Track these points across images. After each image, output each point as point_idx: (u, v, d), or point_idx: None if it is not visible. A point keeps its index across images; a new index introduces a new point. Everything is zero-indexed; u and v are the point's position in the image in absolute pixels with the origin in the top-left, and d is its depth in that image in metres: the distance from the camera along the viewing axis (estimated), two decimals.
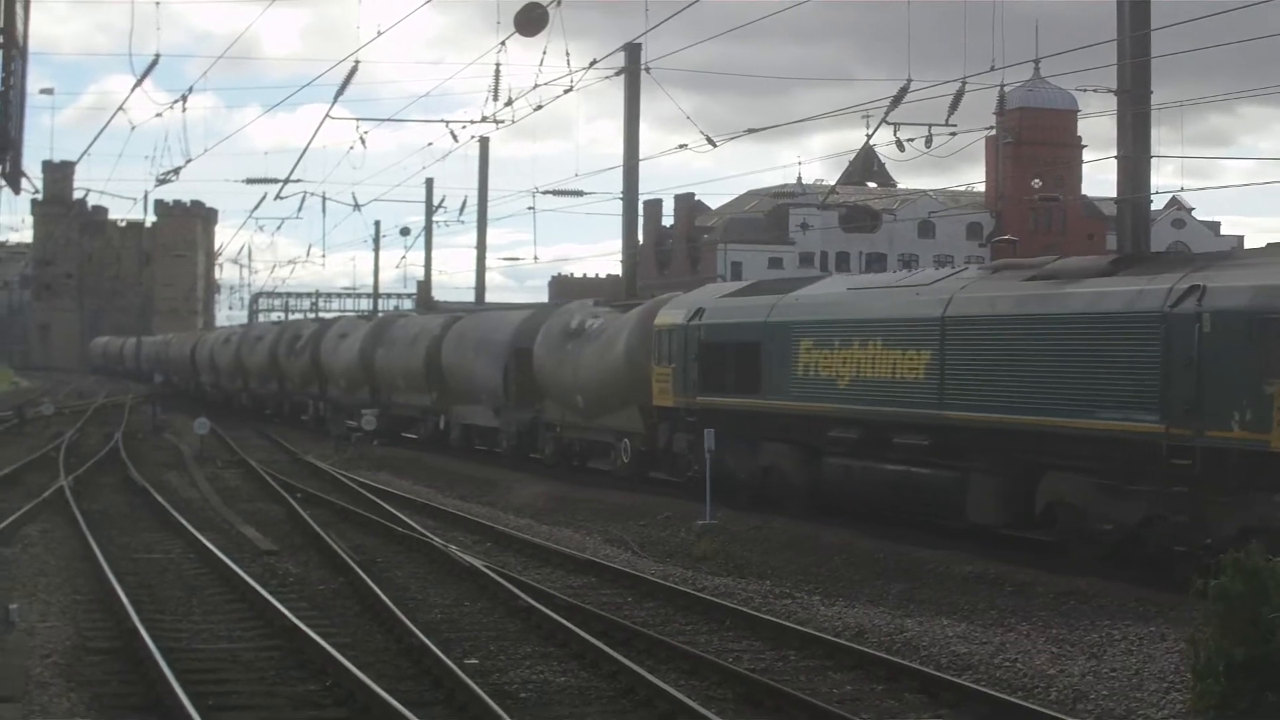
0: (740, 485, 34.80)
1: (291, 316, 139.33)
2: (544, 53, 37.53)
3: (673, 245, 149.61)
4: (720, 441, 33.04)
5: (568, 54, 39.60)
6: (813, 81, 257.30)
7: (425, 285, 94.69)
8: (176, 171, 53.39)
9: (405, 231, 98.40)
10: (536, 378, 46.53)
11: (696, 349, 36.60)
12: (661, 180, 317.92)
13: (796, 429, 32.93)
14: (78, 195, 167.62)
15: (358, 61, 39.31)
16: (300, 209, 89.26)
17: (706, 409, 35.78)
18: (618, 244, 57.91)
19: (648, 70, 49.13)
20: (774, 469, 33.90)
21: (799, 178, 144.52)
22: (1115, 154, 34.86)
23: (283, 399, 79.94)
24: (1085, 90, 42.63)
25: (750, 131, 47.22)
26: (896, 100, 36.21)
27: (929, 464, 28.37)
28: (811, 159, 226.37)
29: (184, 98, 45.43)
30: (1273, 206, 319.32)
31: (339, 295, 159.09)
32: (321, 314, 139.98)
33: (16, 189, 22.91)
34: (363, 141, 56.72)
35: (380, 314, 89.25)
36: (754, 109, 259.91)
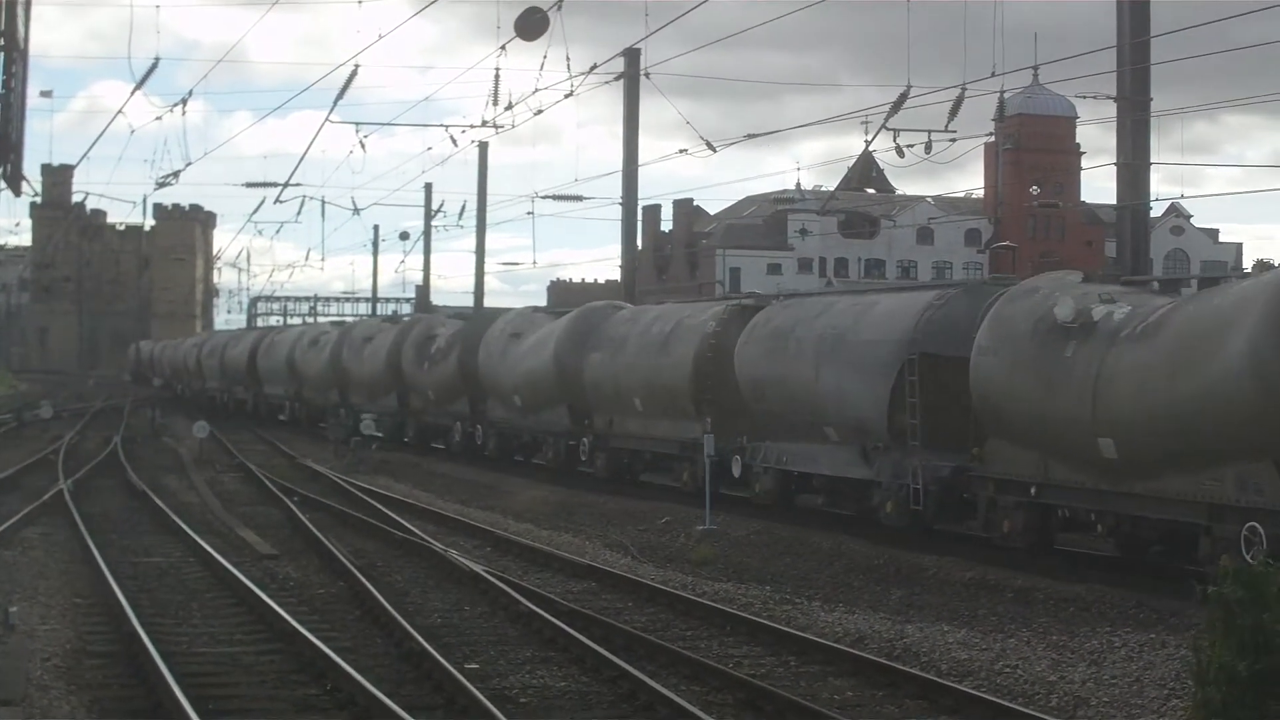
0: None
1: (290, 321, 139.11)
2: (544, 57, 37.62)
3: (671, 251, 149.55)
4: None
5: (568, 59, 39.63)
6: (803, 89, 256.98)
7: (424, 290, 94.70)
8: (176, 175, 53.54)
9: (404, 236, 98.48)
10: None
11: None
12: (655, 186, 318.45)
13: None
14: (77, 199, 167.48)
15: (358, 65, 39.40)
16: (299, 213, 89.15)
17: None
18: (614, 249, 57.96)
19: (647, 75, 49.20)
20: None
21: (798, 183, 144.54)
22: (1114, 161, 34.88)
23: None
24: (1084, 97, 42.65)
25: (750, 137, 47.39)
26: (896, 106, 36.26)
27: None
28: (807, 166, 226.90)
29: (184, 101, 45.53)
30: (1260, 214, 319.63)
31: (338, 299, 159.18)
32: (320, 317, 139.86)
33: (17, 191, 22.90)
34: (362, 146, 56.91)
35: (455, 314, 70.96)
36: (743, 116, 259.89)
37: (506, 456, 50.58)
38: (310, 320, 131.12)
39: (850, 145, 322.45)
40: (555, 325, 46.70)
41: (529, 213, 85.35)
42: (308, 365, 72.93)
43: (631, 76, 50.65)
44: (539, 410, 47.03)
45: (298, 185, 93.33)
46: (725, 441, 34.97)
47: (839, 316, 32.74)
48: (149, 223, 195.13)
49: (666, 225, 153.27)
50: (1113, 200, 37.12)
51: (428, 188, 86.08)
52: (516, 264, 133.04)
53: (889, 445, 30.02)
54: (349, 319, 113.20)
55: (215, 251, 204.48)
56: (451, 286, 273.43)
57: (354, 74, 39.51)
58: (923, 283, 43.78)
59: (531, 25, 35.88)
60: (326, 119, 45.53)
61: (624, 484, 41.68)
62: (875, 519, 30.47)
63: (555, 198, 66.72)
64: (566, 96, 41.45)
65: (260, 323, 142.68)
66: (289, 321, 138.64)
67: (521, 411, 48.38)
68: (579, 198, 65.97)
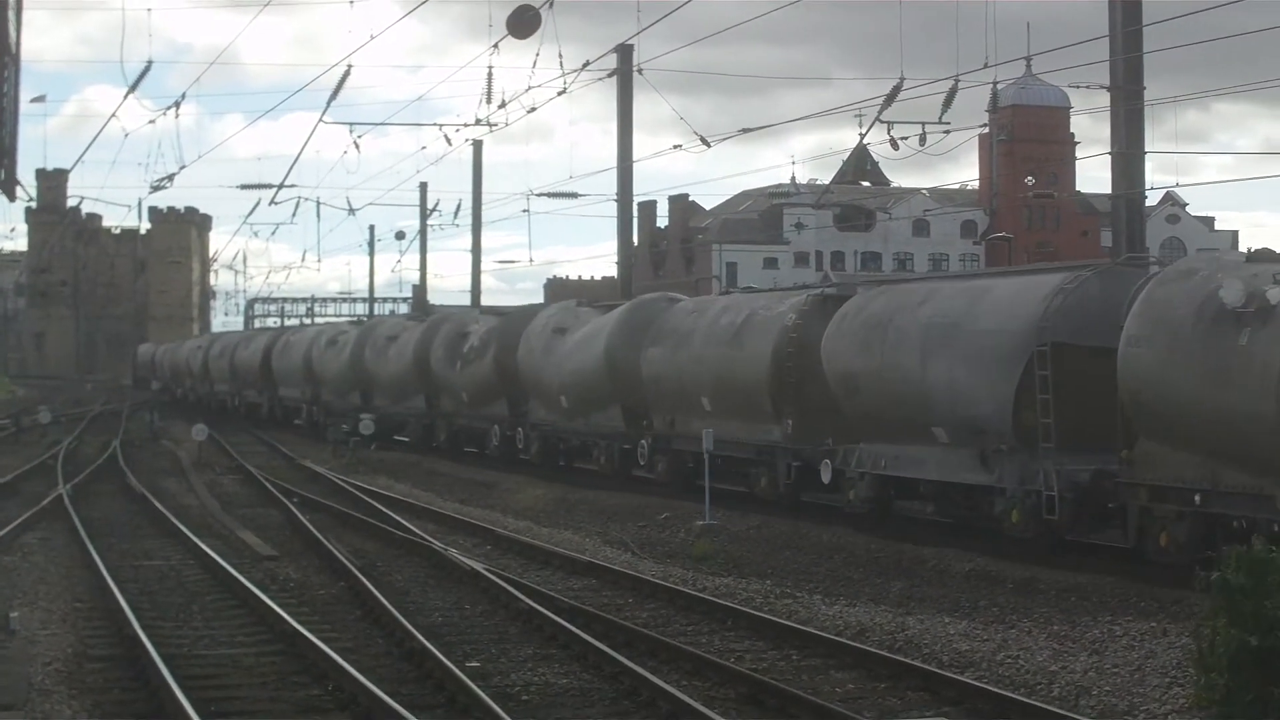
0: None
1: (287, 322, 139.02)
2: (537, 54, 37.62)
3: (667, 246, 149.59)
4: None
5: (560, 56, 39.68)
6: (793, 83, 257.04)
7: (420, 289, 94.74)
8: (171, 178, 53.43)
9: (400, 236, 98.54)
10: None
11: None
12: (648, 182, 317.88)
13: None
14: (72, 203, 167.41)
15: (350, 65, 39.38)
16: (295, 214, 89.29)
17: None
18: (609, 246, 57.97)
19: (640, 71, 49.18)
20: None
21: (793, 178, 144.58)
22: (1109, 150, 34.89)
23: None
24: (1077, 87, 42.65)
25: (745, 131, 47.30)
26: (890, 99, 36.23)
27: None
28: (801, 159, 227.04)
29: (177, 104, 45.58)
30: (1252, 201, 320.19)
31: (334, 300, 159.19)
32: (318, 318, 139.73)
33: (11, 197, 22.88)
34: (356, 146, 56.93)
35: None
36: (734, 111, 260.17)
37: (551, 461, 46.78)
38: (308, 321, 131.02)
39: (842, 139, 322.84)
40: (605, 319, 43.43)
41: (525, 210, 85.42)
42: (326, 366, 69.21)
43: (624, 73, 50.65)
44: (589, 411, 43.57)
45: (293, 186, 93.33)
46: (811, 444, 32.62)
47: (948, 303, 29.14)
48: (144, 226, 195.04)
49: (662, 221, 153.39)
50: (1107, 189, 37.12)
51: (423, 187, 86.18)
52: (513, 262, 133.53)
53: (1014, 447, 26.69)
54: (346, 319, 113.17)
55: (211, 254, 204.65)
56: (448, 286, 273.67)
57: (347, 74, 39.52)
58: (1035, 266, 35.90)
59: (524, 23, 35.86)
60: (321, 119, 45.59)
61: (687, 490, 37.53)
62: (996, 530, 27.37)
63: (551, 195, 66.73)
64: (560, 94, 41.48)
65: (257, 324, 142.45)
66: (286, 322, 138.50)
67: (568, 413, 44.70)
68: (574, 195, 65.96)
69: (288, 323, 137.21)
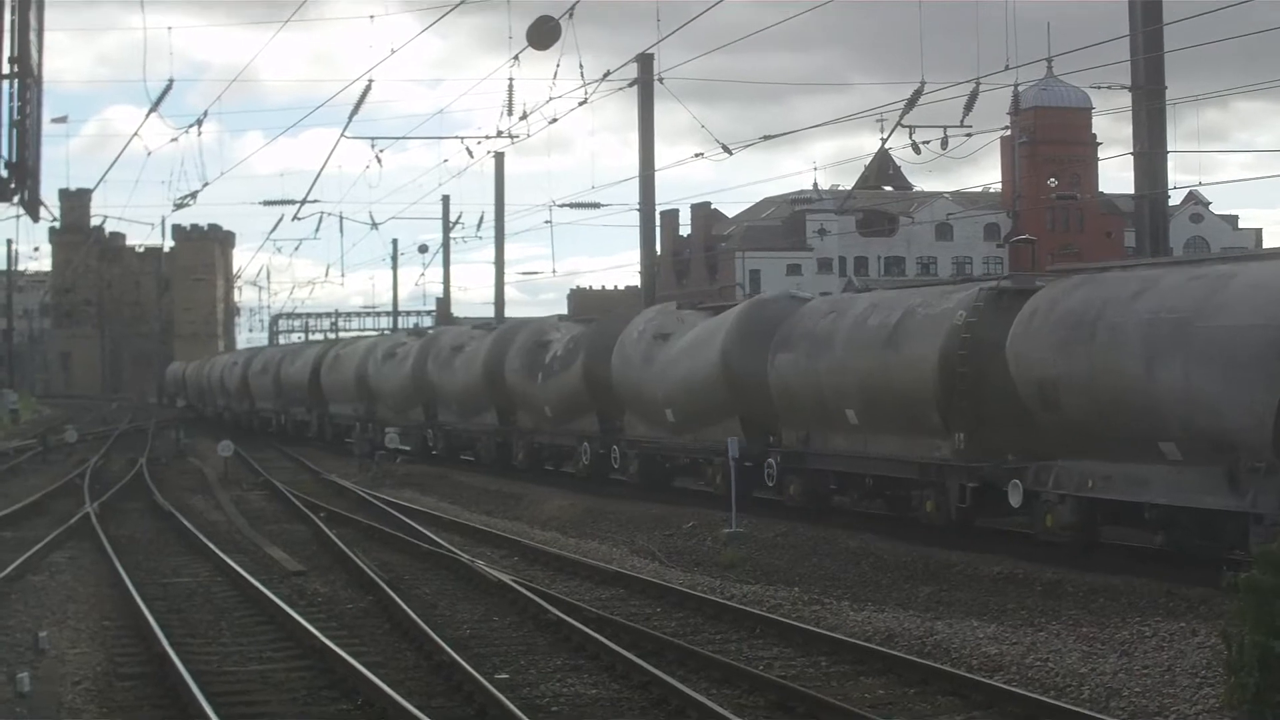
0: None
1: (312, 337, 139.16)
2: (557, 65, 37.65)
3: (691, 255, 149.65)
4: None
5: (581, 66, 39.66)
6: (810, 90, 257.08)
7: (444, 302, 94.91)
8: (194, 195, 53.54)
9: (423, 249, 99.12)
10: None
11: None
12: (668, 191, 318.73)
13: None
14: (95, 222, 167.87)
15: (371, 80, 39.49)
16: (318, 229, 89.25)
17: None
18: (630, 255, 58.16)
19: (660, 81, 49.22)
20: None
21: (815, 184, 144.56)
22: (1131, 150, 34.85)
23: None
24: (1099, 87, 42.63)
25: (766, 138, 47.37)
26: (911, 103, 36.22)
27: None
28: (821, 166, 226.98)
29: (199, 122, 45.68)
30: (1270, 199, 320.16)
31: (359, 314, 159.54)
32: (342, 333, 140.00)
33: (35, 217, 22.90)
34: (378, 160, 57.00)
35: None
36: (752, 118, 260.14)
37: (653, 482, 41.86)
38: (333, 335, 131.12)
39: (861, 145, 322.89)
40: (717, 322, 38.93)
41: (547, 221, 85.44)
42: (385, 380, 64.45)
43: (645, 82, 50.66)
44: (699, 426, 38.71)
45: (315, 202, 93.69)
46: (987, 461, 28.37)
47: (1175, 295, 24.45)
48: (168, 244, 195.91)
49: (684, 230, 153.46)
50: (1128, 189, 37.09)
51: (445, 200, 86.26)
52: (536, 273, 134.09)
53: (1274, 465, 22.48)
54: (371, 333, 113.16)
55: (235, 270, 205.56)
56: (470, 298, 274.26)
57: (368, 88, 39.64)
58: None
59: (543, 34, 35.94)
60: (343, 134, 45.61)
61: (823, 514, 33.79)
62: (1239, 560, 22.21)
63: (573, 205, 66.79)
64: (581, 104, 41.49)
65: (281, 340, 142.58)
66: (310, 338, 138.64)
67: (674, 428, 40.00)
68: (596, 205, 66.00)
69: (312, 337, 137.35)
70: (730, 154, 44.45)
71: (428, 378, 58.81)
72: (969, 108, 36.24)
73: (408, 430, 61.05)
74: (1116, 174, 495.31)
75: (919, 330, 30.28)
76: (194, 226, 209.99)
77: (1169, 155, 34.77)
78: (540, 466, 49.94)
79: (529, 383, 48.79)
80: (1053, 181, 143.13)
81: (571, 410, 46.54)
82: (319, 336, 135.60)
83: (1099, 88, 42.52)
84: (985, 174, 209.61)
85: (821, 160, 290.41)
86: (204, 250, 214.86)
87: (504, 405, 52.34)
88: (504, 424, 52.64)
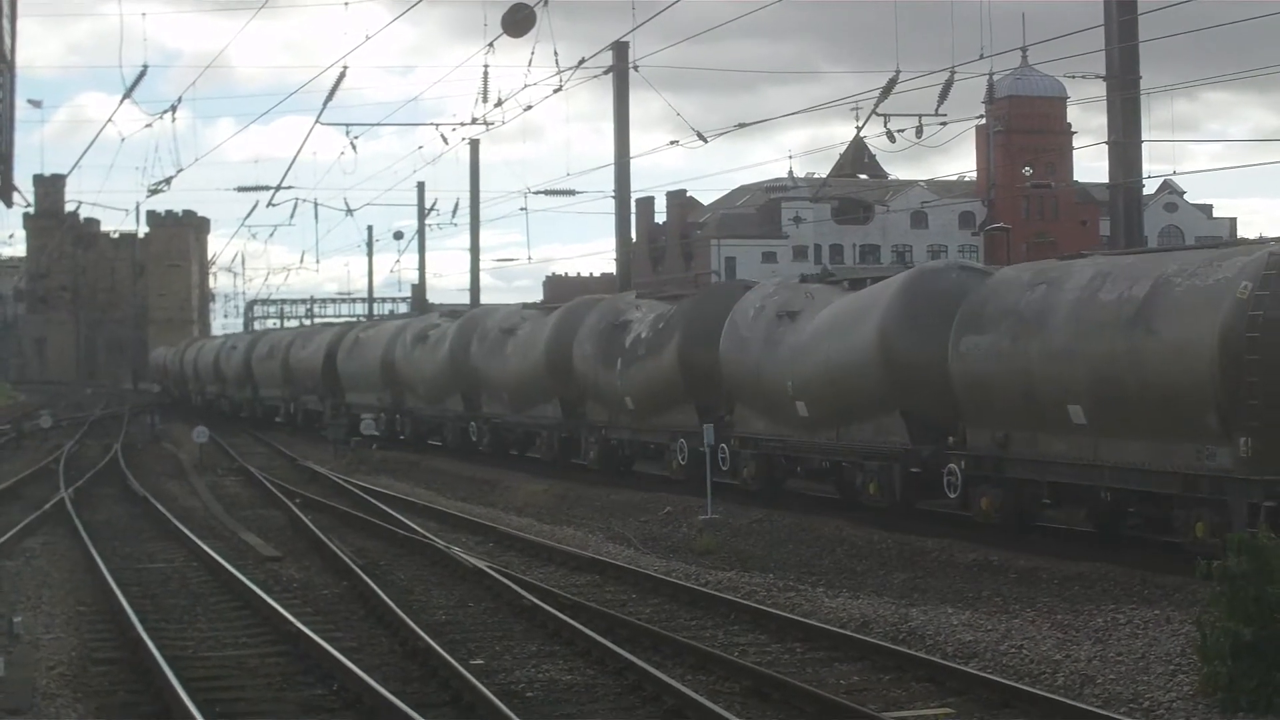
0: None
1: (287, 323, 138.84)
2: (532, 52, 37.63)
3: (666, 242, 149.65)
4: None
5: (556, 53, 39.64)
6: (780, 79, 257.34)
7: (420, 288, 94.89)
8: (168, 181, 53.50)
9: (399, 236, 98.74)
10: None
11: None
12: (641, 178, 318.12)
13: None
14: (69, 208, 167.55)
15: (346, 67, 39.39)
16: (293, 216, 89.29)
17: None
18: (605, 243, 58.13)
19: (635, 68, 49.27)
20: None
21: (790, 172, 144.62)
22: (1105, 140, 34.95)
23: None
24: (1074, 77, 42.74)
25: (741, 126, 47.41)
26: (886, 91, 36.29)
27: None
28: (799, 154, 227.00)
29: (173, 108, 45.67)
30: (1246, 188, 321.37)
31: (334, 300, 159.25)
32: (317, 319, 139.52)
33: (9, 202, 22.91)
34: (353, 146, 57.11)
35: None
36: (724, 107, 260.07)
37: (772, 486, 35.14)
38: (308, 322, 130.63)
39: (833, 133, 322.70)
40: (867, 298, 31.97)
41: (522, 208, 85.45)
42: (417, 367, 57.81)
43: (620, 70, 50.70)
44: (844, 422, 31.95)
45: (290, 188, 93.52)
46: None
47: None
48: (143, 230, 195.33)
49: (659, 217, 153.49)
50: (1102, 179, 37.20)
51: (420, 187, 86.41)
52: (512, 260, 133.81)
53: None
54: (346, 319, 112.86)
55: (210, 256, 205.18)
56: (445, 285, 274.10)
57: (343, 75, 39.52)
58: None
59: (519, 21, 35.92)
60: (318, 120, 45.55)
61: (1023, 535, 27.59)
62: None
63: (548, 193, 66.84)
64: (555, 91, 41.48)
65: (257, 326, 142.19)
66: (285, 324, 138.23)
67: (807, 424, 33.07)
68: (572, 192, 66.05)
69: (288, 324, 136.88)
70: (706, 142, 44.53)
71: (470, 363, 52.24)
72: (943, 97, 36.33)
73: (443, 422, 56.05)
74: (1090, 163, 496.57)
75: (1184, 306, 23.60)
76: (169, 212, 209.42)
77: (1143, 145, 34.88)
78: (615, 467, 42.89)
79: (605, 370, 42.10)
80: (1027, 170, 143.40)
81: (662, 402, 39.58)
82: (294, 323, 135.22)
83: (1074, 77, 42.62)
84: (957, 163, 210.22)
85: (794, 149, 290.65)
86: (179, 236, 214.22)
87: (571, 396, 45.17)
88: (570, 417, 45.47)
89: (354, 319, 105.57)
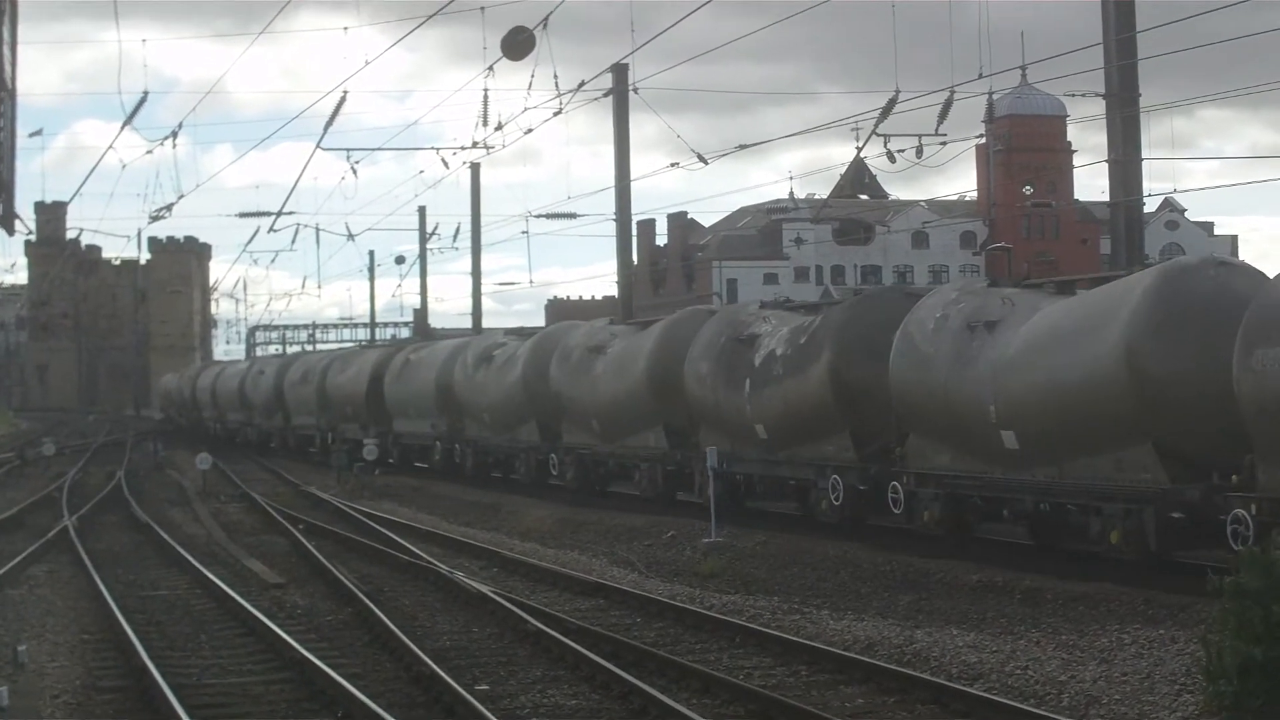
0: None
1: (290, 349, 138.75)
2: (532, 76, 37.68)
3: (667, 264, 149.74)
4: None
5: (556, 76, 39.69)
6: (777, 100, 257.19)
7: (421, 313, 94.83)
8: (169, 208, 53.64)
9: (400, 260, 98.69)
10: None
11: None
12: (640, 201, 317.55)
13: None
14: (71, 235, 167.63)
15: (346, 92, 39.44)
16: (294, 241, 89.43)
17: None
18: (606, 266, 58.10)
19: (635, 90, 49.32)
20: None
21: (790, 193, 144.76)
22: (1105, 158, 34.95)
23: None
24: (1073, 95, 42.78)
25: (742, 148, 47.43)
26: (886, 111, 36.33)
27: None
28: (795, 175, 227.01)
29: (174, 135, 45.63)
30: (1245, 205, 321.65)
31: (336, 326, 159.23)
32: (320, 345, 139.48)
33: (10, 230, 22.97)
34: (354, 171, 57.16)
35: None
36: (720, 129, 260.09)
37: (961, 529, 29.00)
38: (309, 348, 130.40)
39: (832, 154, 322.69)
40: (1100, 304, 26.13)
41: (523, 232, 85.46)
42: (481, 391, 51.44)
43: (620, 92, 50.72)
44: (1070, 456, 26.01)
45: (291, 214, 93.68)
46: None
47: None
48: (144, 256, 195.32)
49: (661, 240, 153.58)
50: (1102, 197, 37.21)
51: (421, 211, 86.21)
52: (513, 284, 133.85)
53: None
54: (348, 345, 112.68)
55: (211, 283, 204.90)
56: (447, 309, 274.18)
57: (343, 99, 39.56)
58: None
59: (518, 44, 35.97)
60: (318, 145, 45.83)
61: None
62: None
63: (549, 216, 66.90)
64: (555, 114, 41.53)
65: (259, 352, 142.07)
66: (288, 350, 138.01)
67: (1018, 457, 27.03)
68: (573, 215, 66.13)
69: (290, 350, 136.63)
70: (706, 163, 44.56)
71: (550, 387, 45.89)
72: (943, 116, 36.35)
73: (515, 454, 49.59)
74: (1089, 181, 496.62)
75: None
76: (170, 239, 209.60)
77: (1143, 162, 34.89)
78: (741, 504, 36.63)
79: (728, 393, 35.70)
80: (1028, 189, 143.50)
81: (804, 431, 33.23)
82: (296, 349, 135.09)
83: (1073, 95, 42.64)
84: (956, 183, 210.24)
85: (792, 170, 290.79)
86: (180, 263, 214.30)
87: (678, 423, 39.14)
88: (675, 446, 39.26)
89: (355, 344, 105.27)
